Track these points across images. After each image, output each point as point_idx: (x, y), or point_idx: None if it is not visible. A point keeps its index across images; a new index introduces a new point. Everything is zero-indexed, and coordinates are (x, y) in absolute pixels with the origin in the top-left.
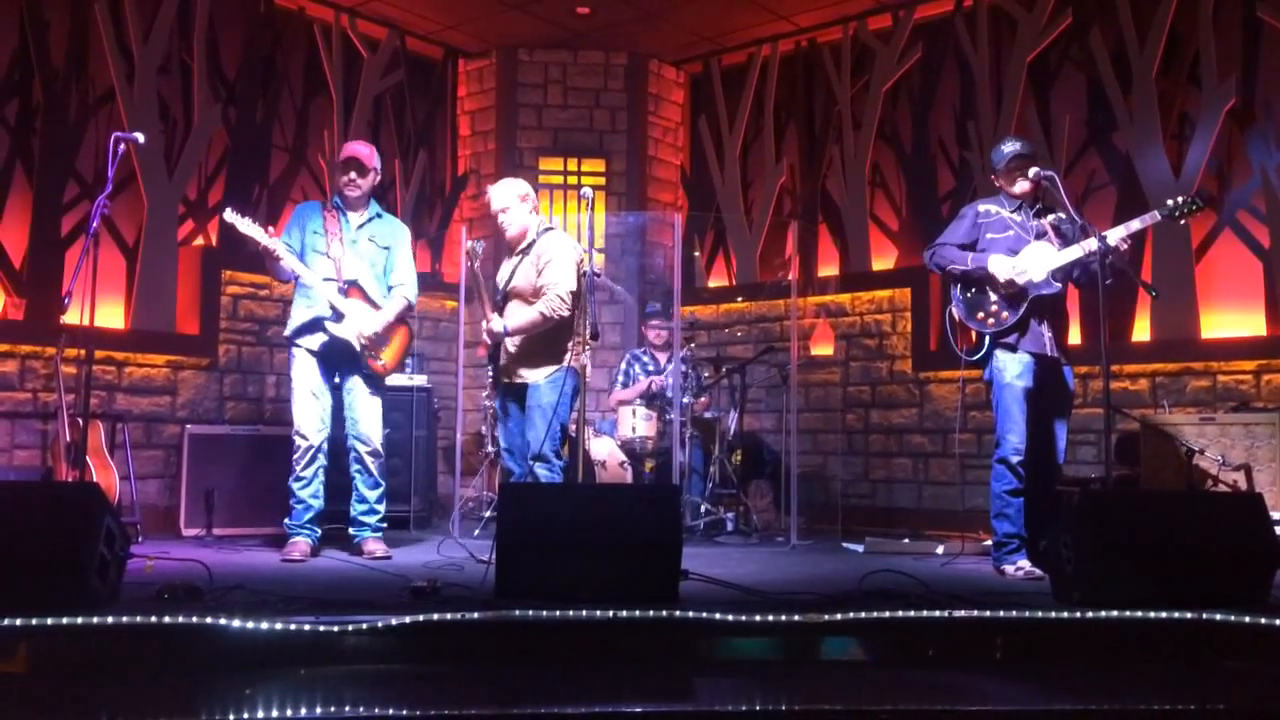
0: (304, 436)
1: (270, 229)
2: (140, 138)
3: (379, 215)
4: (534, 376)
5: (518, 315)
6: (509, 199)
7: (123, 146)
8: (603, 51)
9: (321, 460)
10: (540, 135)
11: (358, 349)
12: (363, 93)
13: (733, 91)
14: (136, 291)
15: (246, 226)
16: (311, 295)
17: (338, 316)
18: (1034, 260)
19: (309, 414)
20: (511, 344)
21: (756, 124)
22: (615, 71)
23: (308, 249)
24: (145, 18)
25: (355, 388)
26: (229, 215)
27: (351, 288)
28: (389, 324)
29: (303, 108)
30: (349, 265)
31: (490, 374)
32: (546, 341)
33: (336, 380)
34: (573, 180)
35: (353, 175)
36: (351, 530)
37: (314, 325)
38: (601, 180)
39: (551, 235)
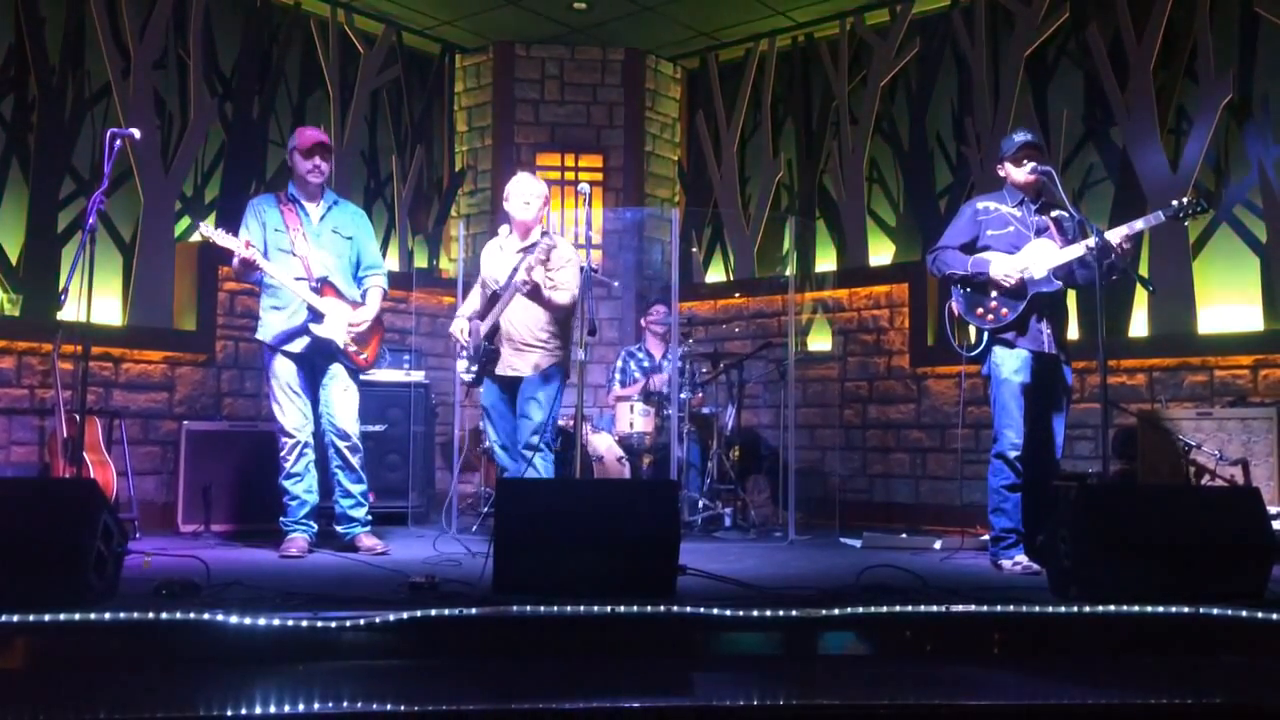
0: (289, 435)
1: (250, 243)
2: (136, 133)
3: (336, 202)
4: (528, 370)
5: (553, 294)
6: (538, 193)
7: (119, 142)
8: (600, 47)
9: (310, 455)
10: (538, 131)
11: (341, 346)
12: (360, 88)
13: (730, 87)
14: (133, 288)
15: (223, 239)
16: (282, 296)
17: (318, 317)
18: (1036, 258)
19: (292, 412)
20: (516, 336)
21: (754, 119)
22: (612, 67)
23: (271, 248)
24: (141, 13)
25: (333, 383)
26: (204, 229)
27: (324, 286)
28: (375, 319)
29: (299, 103)
30: (317, 262)
31: (470, 370)
32: (545, 338)
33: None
34: (570, 176)
35: (317, 161)
36: (340, 528)
37: (293, 331)
38: (599, 176)
39: (559, 240)
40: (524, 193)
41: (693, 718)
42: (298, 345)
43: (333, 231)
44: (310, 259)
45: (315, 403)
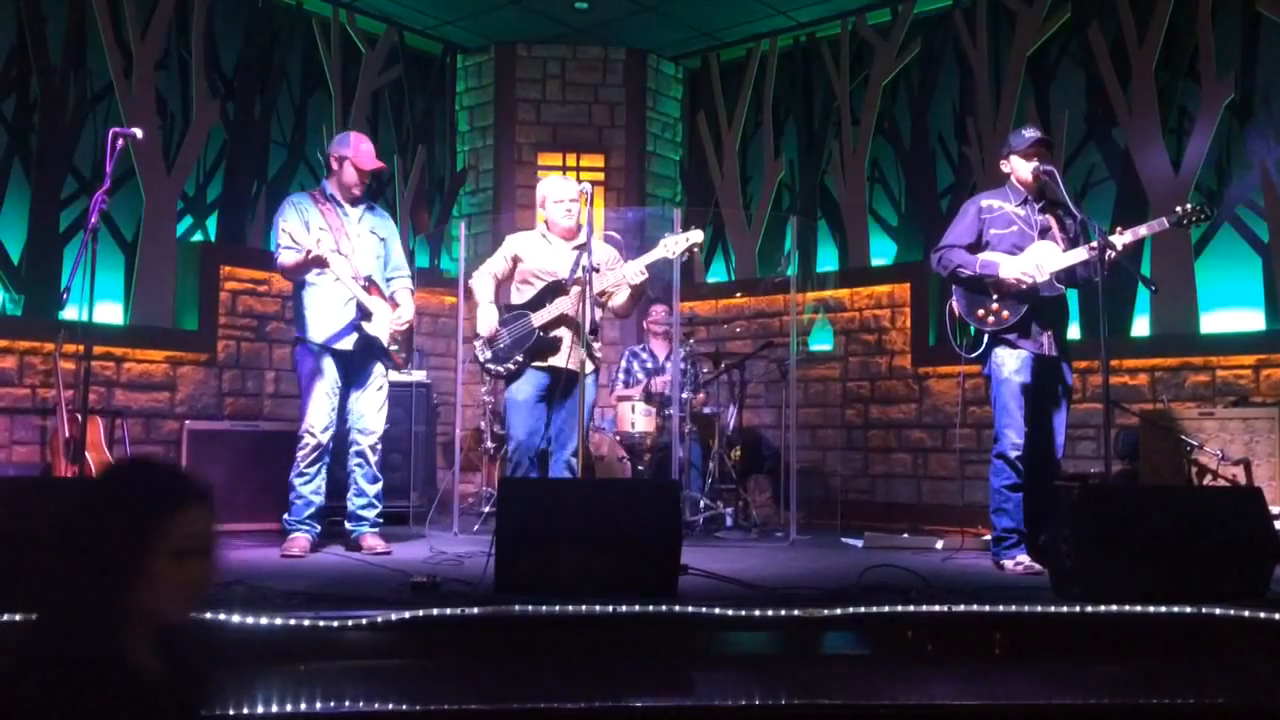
0: (313, 434)
1: (318, 239)
2: (138, 133)
3: (370, 206)
4: (587, 367)
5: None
6: (574, 195)
7: (121, 142)
8: (601, 47)
9: (326, 458)
10: (539, 131)
11: (386, 344)
12: (361, 88)
13: (731, 87)
14: (135, 287)
15: (301, 236)
16: (327, 295)
17: (367, 315)
18: (1040, 261)
19: (322, 412)
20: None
21: (755, 119)
22: (614, 67)
23: (326, 253)
24: (143, 13)
25: (368, 381)
26: (282, 223)
27: (370, 285)
28: (411, 317)
29: (301, 103)
30: (361, 261)
31: (515, 360)
32: (592, 337)
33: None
34: (571, 175)
35: (369, 181)
36: (349, 525)
37: (343, 328)
38: (600, 176)
39: (596, 239)
40: (564, 197)
41: (695, 717)
42: (347, 342)
43: (370, 232)
44: (355, 258)
45: (343, 404)
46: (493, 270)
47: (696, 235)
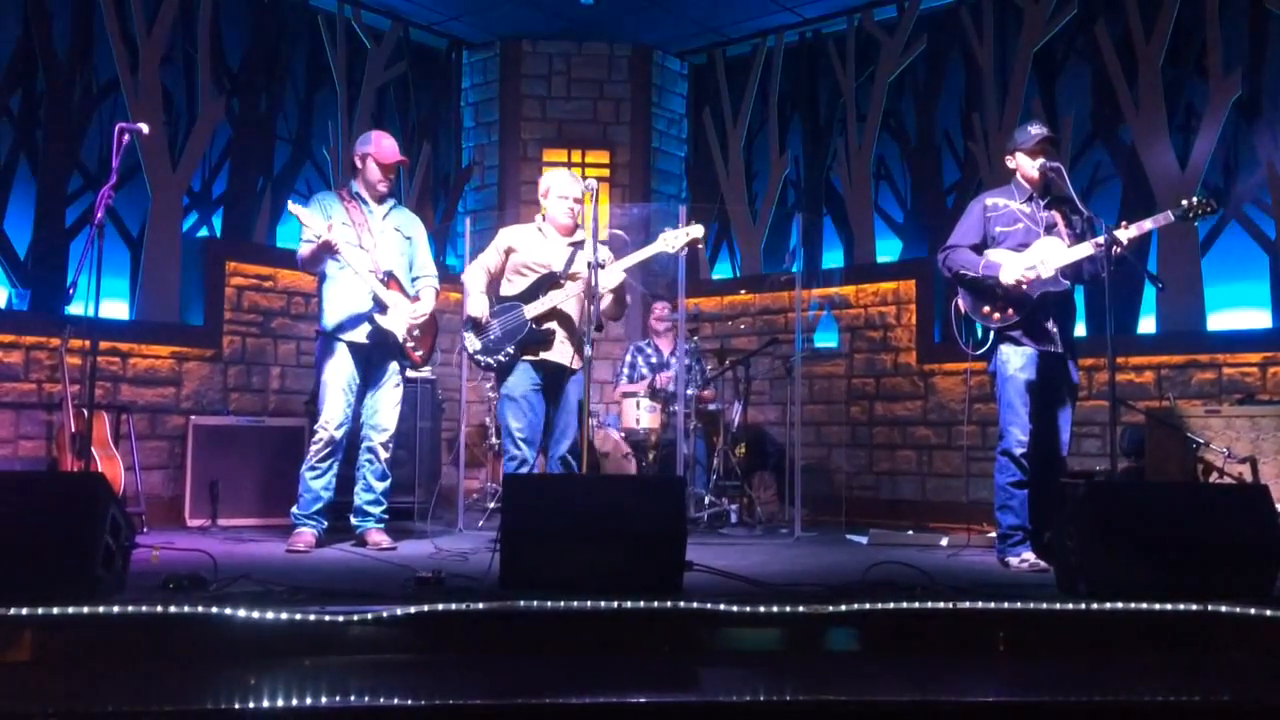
0: (327, 429)
1: (332, 226)
2: (144, 128)
3: (396, 205)
4: (579, 362)
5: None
6: (578, 194)
7: (127, 137)
8: (606, 43)
9: (339, 454)
10: (544, 127)
11: (402, 340)
12: (367, 84)
13: (737, 83)
14: (141, 282)
15: (309, 218)
16: (346, 286)
17: (382, 308)
18: (1045, 257)
19: (338, 408)
20: (578, 329)
21: (761, 115)
22: (619, 63)
23: (338, 241)
24: (149, 9)
25: (385, 378)
26: (293, 206)
27: (390, 280)
28: (432, 315)
29: (306, 99)
30: (383, 257)
31: (506, 353)
32: (586, 330)
33: (365, 376)
34: (576, 172)
35: (393, 176)
36: (355, 520)
37: (357, 319)
38: (605, 172)
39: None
40: (568, 194)
41: (699, 713)
42: (360, 333)
43: (395, 230)
44: (376, 254)
45: (359, 401)
46: (486, 264)
47: (696, 230)
